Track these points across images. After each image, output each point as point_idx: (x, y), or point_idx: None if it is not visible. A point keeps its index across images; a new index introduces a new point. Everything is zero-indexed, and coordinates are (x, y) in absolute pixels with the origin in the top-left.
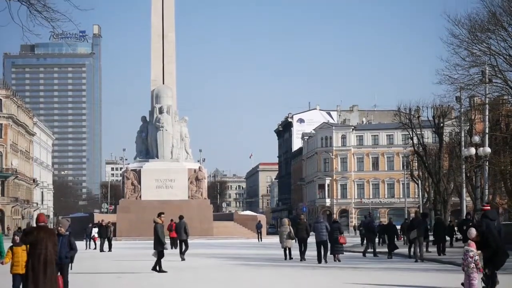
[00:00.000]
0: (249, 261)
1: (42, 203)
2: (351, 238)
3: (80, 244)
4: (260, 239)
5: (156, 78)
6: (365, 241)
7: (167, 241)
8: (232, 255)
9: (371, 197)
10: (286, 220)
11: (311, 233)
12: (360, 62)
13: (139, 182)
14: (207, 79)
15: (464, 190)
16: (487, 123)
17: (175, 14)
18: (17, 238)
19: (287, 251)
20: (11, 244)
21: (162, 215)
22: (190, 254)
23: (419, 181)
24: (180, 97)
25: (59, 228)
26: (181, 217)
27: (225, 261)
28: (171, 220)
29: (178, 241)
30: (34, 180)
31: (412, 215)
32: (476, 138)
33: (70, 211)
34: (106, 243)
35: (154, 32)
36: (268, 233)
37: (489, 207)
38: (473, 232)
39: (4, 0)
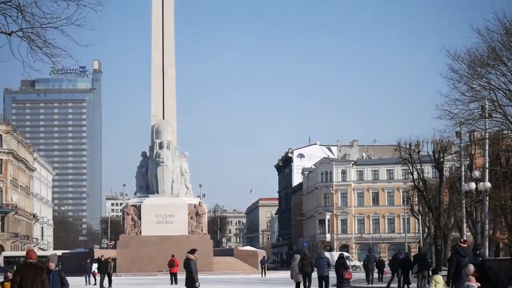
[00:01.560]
0: None
1: (42, 238)
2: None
3: (79, 280)
4: (264, 274)
5: (156, 113)
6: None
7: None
8: None
9: (371, 232)
10: (298, 256)
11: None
12: (360, 97)
13: (139, 218)
14: (207, 114)
15: (465, 225)
16: (487, 157)
17: (175, 49)
18: (10, 275)
19: (299, 286)
20: (3, 280)
21: (196, 252)
22: None
23: (420, 216)
24: (180, 132)
25: (49, 264)
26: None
27: None
28: (172, 256)
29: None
30: (34, 216)
31: (413, 250)
32: (476, 173)
33: (70, 246)
34: (106, 279)
35: (154, 67)
36: (269, 269)
37: (465, 245)
38: (471, 268)
39: (4, 36)
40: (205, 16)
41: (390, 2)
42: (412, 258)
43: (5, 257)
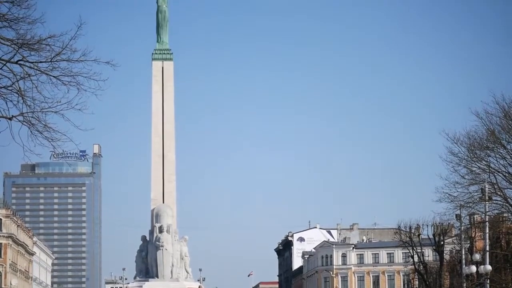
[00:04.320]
0: None
1: None
2: None
3: None
4: None
5: (156, 197)
6: None
7: None
8: None
9: None
10: None
11: None
12: (360, 181)
13: None
14: (207, 197)
15: None
16: (487, 240)
17: (175, 134)
18: None
19: None
20: None
21: None
22: None
23: None
24: (180, 215)
25: None
26: None
27: None
28: None
29: None
30: None
31: None
32: (477, 256)
33: None
34: None
35: (154, 152)
36: None
37: None
38: None
39: (5, 120)
40: (205, 101)
41: (388, 84)
42: None
43: None
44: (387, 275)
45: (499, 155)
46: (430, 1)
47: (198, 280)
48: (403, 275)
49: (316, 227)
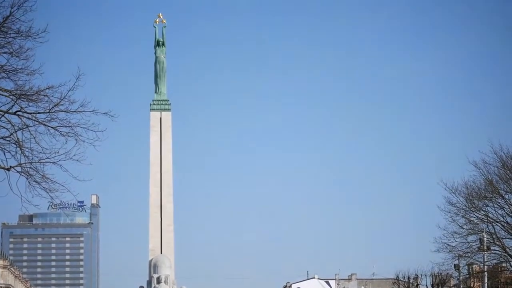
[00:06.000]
0: None
1: None
2: None
3: None
4: None
5: (154, 247)
6: None
7: None
8: None
9: None
10: None
11: None
12: (358, 230)
13: None
14: (205, 247)
15: None
16: None
17: (173, 184)
18: None
19: None
20: None
21: None
22: None
23: None
24: (178, 265)
25: None
26: None
27: None
28: None
29: None
30: None
31: None
32: None
33: None
34: None
35: (152, 202)
36: None
37: None
38: None
39: (3, 171)
40: (203, 149)
41: (386, 134)
42: None
43: None
44: None
45: (497, 205)
46: (428, 61)
47: None
48: None
49: (314, 278)
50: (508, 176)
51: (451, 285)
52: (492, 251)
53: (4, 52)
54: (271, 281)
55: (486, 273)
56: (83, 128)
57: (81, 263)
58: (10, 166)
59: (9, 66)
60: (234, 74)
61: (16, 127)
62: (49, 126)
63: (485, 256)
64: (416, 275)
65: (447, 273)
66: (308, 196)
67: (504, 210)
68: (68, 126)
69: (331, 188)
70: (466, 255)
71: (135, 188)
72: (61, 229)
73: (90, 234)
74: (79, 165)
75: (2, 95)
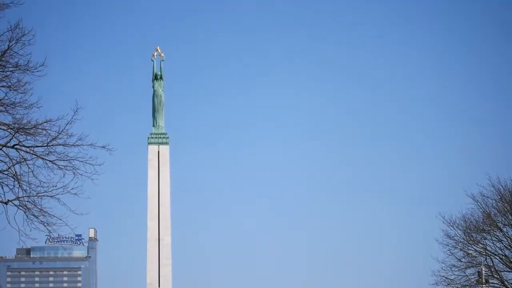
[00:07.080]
0: None
1: None
2: None
3: None
4: None
5: (151, 281)
6: None
7: None
8: None
9: None
10: None
11: None
12: (355, 265)
13: None
14: (203, 281)
15: None
16: None
17: (171, 217)
18: None
19: None
20: None
21: None
22: None
23: None
24: None
25: None
26: None
27: None
28: None
29: None
30: None
31: None
32: None
33: None
34: None
35: (150, 236)
36: None
37: None
38: None
39: (1, 205)
40: (202, 182)
41: (384, 167)
42: None
43: None
44: None
45: (496, 237)
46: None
47: None
48: None
49: None
50: (506, 209)
51: None
52: (491, 284)
53: (3, 86)
54: None
55: None
56: (81, 161)
57: None
58: (8, 200)
59: (7, 99)
60: (231, 105)
61: (14, 161)
62: (47, 160)
63: None
64: None
65: None
66: (307, 234)
67: (502, 243)
68: (66, 160)
69: (326, 224)
70: None
71: (133, 221)
72: (59, 263)
73: (87, 268)
74: (77, 198)
75: (0, 128)
